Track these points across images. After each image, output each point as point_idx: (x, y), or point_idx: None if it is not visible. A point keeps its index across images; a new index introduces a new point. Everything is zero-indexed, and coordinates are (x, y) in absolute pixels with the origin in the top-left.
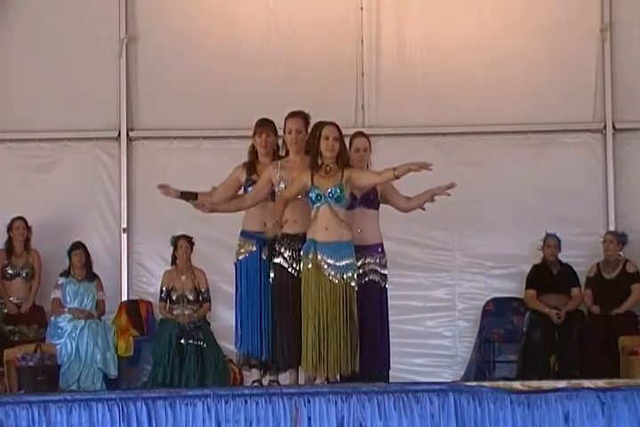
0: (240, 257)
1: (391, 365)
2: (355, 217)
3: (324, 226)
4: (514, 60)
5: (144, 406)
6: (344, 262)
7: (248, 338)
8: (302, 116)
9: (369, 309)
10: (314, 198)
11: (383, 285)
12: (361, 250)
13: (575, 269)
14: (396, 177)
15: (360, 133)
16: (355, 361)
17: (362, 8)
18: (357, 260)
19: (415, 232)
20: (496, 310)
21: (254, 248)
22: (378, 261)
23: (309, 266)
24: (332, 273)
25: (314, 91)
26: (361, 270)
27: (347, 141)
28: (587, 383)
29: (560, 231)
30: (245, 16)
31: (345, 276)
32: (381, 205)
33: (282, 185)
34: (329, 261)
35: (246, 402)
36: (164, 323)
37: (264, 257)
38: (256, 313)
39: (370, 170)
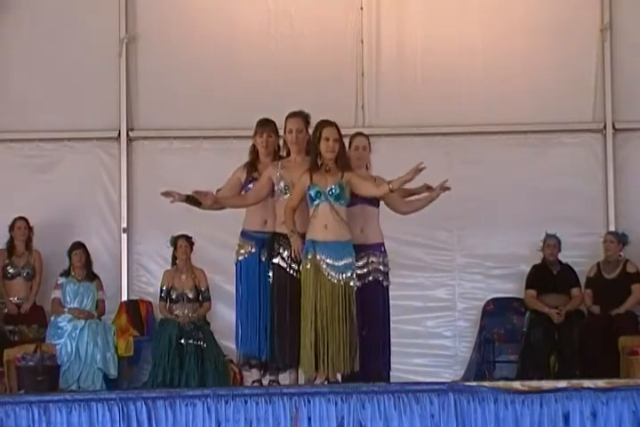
0: (240, 258)
1: (391, 365)
2: (356, 214)
3: (323, 224)
4: (514, 60)
5: (144, 406)
6: (343, 262)
7: (248, 339)
8: (302, 116)
9: (372, 308)
10: (313, 196)
11: (386, 284)
12: (364, 249)
13: (575, 269)
14: (392, 191)
15: (360, 133)
16: (354, 361)
17: (362, 8)
18: (361, 259)
19: (415, 232)
20: (496, 310)
21: (253, 249)
22: (381, 260)
23: (308, 266)
24: (332, 273)
25: (314, 91)
26: (365, 269)
27: (346, 141)
28: (587, 383)
29: (560, 231)
30: (245, 16)
31: (344, 276)
32: (381, 206)
33: (282, 184)
34: (328, 261)
35: (246, 402)
36: (164, 323)
37: (263, 259)
38: (256, 314)
39: (369, 176)
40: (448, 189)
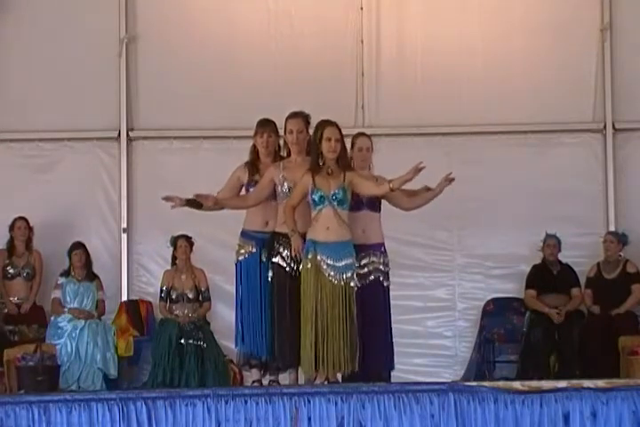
0: (240, 258)
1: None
2: (360, 219)
3: (325, 226)
4: (514, 60)
5: (144, 406)
6: (343, 263)
7: (248, 339)
8: (303, 117)
9: (373, 307)
10: (317, 200)
11: (386, 284)
12: (365, 249)
13: (575, 269)
14: (392, 190)
15: (362, 133)
16: (354, 361)
17: (362, 8)
18: (362, 259)
19: (415, 232)
20: (496, 310)
21: (254, 249)
22: (382, 260)
23: (309, 266)
24: (332, 273)
25: (314, 91)
26: (365, 269)
27: (347, 141)
28: (587, 383)
29: (560, 231)
30: (245, 16)
31: (344, 276)
32: (382, 207)
33: (285, 186)
34: (328, 261)
35: (246, 402)
36: (164, 323)
37: (264, 259)
38: (256, 314)
39: (370, 176)
40: (452, 179)
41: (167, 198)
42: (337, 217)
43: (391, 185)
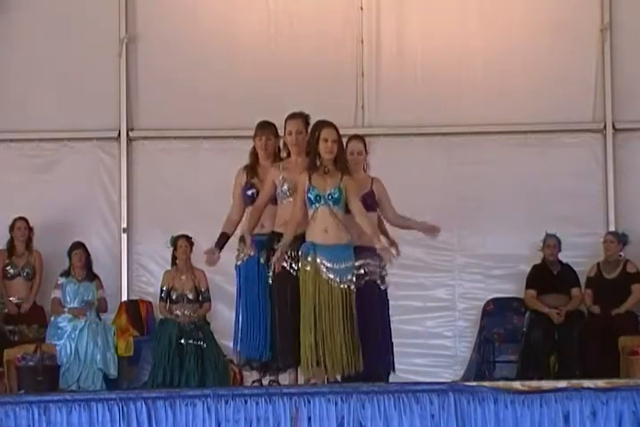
0: (238, 262)
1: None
2: (353, 219)
3: (322, 227)
4: (514, 60)
5: (144, 406)
6: (343, 266)
7: (248, 343)
8: (302, 118)
9: (369, 309)
10: (312, 199)
11: (383, 287)
12: (362, 251)
13: (575, 269)
14: (375, 239)
15: (355, 137)
16: (357, 362)
17: (362, 8)
18: (357, 260)
19: (415, 232)
20: (496, 310)
21: (252, 252)
22: (378, 262)
23: (308, 268)
24: (331, 276)
25: (314, 91)
26: (361, 271)
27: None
28: (587, 383)
29: (560, 231)
30: (245, 16)
31: (344, 278)
32: None
33: (285, 186)
34: (328, 264)
35: (246, 402)
36: (164, 323)
37: (262, 261)
38: (256, 317)
39: (366, 176)
40: (437, 234)
41: (209, 259)
42: (333, 216)
43: (375, 243)
